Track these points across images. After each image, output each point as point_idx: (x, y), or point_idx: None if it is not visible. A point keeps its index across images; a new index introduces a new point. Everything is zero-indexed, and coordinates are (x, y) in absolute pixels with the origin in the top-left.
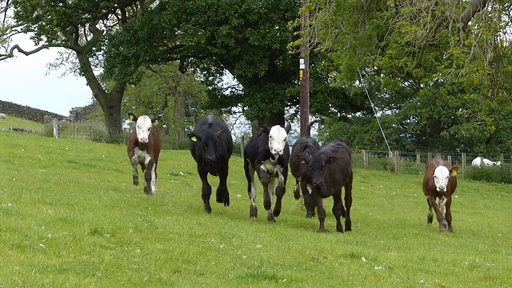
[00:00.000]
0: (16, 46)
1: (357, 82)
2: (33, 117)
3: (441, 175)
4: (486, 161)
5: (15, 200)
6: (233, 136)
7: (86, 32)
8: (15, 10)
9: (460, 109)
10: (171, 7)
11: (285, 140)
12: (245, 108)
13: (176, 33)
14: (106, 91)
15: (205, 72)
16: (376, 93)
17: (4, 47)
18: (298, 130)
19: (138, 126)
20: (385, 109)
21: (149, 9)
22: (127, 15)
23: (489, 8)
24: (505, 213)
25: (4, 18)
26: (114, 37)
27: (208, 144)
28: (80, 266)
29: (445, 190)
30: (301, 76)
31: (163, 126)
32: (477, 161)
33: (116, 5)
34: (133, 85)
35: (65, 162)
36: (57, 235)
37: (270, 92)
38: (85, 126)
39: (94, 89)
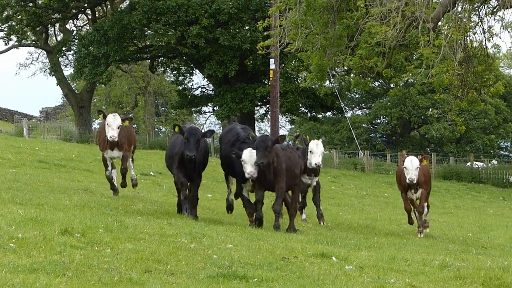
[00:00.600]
0: None
1: (327, 82)
2: (3, 117)
3: (411, 165)
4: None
5: None
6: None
7: (56, 32)
8: None
9: (430, 109)
10: (141, 7)
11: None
12: (215, 108)
13: (146, 33)
14: (76, 91)
15: (175, 72)
16: (346, 93)
17: None
18: (269, 130)
19: (107, 124)
20: (355, 109)
21: (119, 9)
22: (97, 15)
23: (459, 9)
24: (475, 213)
25: None
26: (84, 37)
27: (190, 140)
28: (51, 266)
29: (414, 182)
30: (271, 76)
31: (134, 126)
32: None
33: (86, 5)
34: (103, 85)
35: (35, 162)
36: (27, 235)
37: (240, 92)
38: (55, 126)
39: (64, 89)
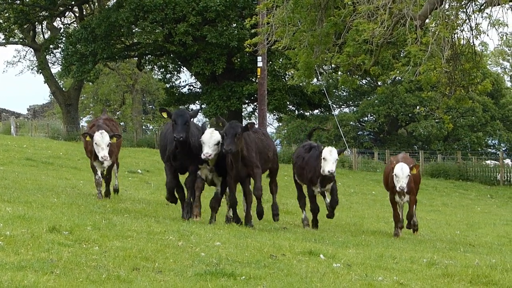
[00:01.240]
0: None
1: (315, 80)
2: None
3: (401, 173)
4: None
5: None
6: None
7: (44, 30)
8: None
9: (418, 107)
10: (129, 4)
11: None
12: (203, 106)
13: (133, 30)
14: (63, 89)
15: (163, 69)
16: (334, 90)
17: None
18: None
19: (96, 144)
20: (343, 106)
21: (106, 6)
22: (84, 13)
23: (447, 6)
24: (463, 211)
25: None
26: (72, 35)
27: (177, 122)
28: (39, 264)
29: (405, 190)
30: (259, 74)
31: (121, 123)
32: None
33: (73, 2)
34: (90, 83)
35: (23, 159)
36: (15, 233)
37: (228, 89)
38: (43, 124)
39: (52, 87)
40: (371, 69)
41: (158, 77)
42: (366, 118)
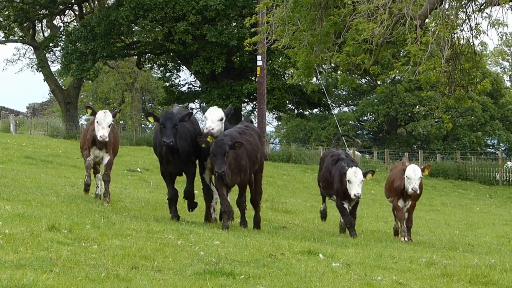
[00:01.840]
0: None
1: (314, 79)
2: None
3: (414, 175)
4: None
5: None
6: None
7: (44, 28)
8: None
9: (417, 106)
10: (128, 3)
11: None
12: (202, 105)
13: (133, 29)
14: (63, 87)
15: (162, 68)
16: (333, 90)
17: None
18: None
19: (97, 122)
20: (342, 106)
21: (106, 5)
22: (84, 11)
23: (446, 6)
24: (462, 211)
25: None
26: (71, 33)
27: (166, 125)
28: (38, 262)
29: (418, 191)
30: (258, 73)
31: (120, 122)
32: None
33: (73, 1)
34: (90, 81)
35: (22, 158)
36: (14, 231)
37: (227, 88)
38: (42, 122)
39: (51, 85)
40: (371, 69)
41: (158, 75)
42: (365, 117)
